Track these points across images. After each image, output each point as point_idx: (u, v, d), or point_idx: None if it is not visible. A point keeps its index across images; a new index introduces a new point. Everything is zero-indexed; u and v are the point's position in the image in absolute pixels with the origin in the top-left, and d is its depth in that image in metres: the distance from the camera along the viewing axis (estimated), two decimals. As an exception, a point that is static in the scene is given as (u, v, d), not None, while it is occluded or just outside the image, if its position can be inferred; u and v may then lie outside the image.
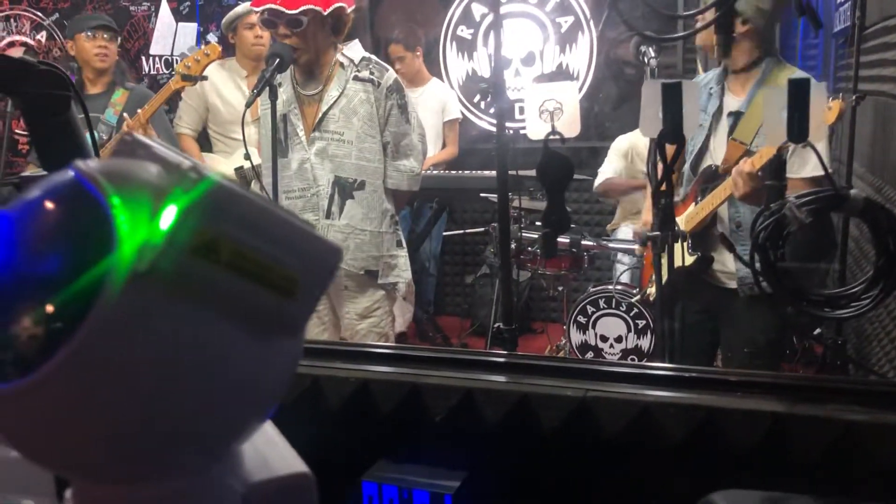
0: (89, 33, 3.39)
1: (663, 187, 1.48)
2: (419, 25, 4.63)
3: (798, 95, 1.33)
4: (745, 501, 1.28)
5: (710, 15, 2.34)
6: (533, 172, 4.51)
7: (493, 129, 4.90)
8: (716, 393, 1.43)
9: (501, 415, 1.38)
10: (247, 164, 3.81)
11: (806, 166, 2.30)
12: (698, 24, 2.33)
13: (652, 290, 2.70)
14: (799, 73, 2.50)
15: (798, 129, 1.34)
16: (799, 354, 3.59)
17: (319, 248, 0.40)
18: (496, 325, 2.23)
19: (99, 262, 0.37)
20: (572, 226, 4.32)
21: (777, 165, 1.45)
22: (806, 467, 1.38)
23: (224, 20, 3.93)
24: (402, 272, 2.79)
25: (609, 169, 3.98)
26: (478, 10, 4.85)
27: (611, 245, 3.77)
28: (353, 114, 2.55)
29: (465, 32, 4.89)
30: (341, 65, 2.58)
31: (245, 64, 3.87)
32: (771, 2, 2.39)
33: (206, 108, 3.87)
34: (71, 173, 0.42)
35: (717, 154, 2.52)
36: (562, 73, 4.77)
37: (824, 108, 1.52)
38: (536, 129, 1.81)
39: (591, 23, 4.65)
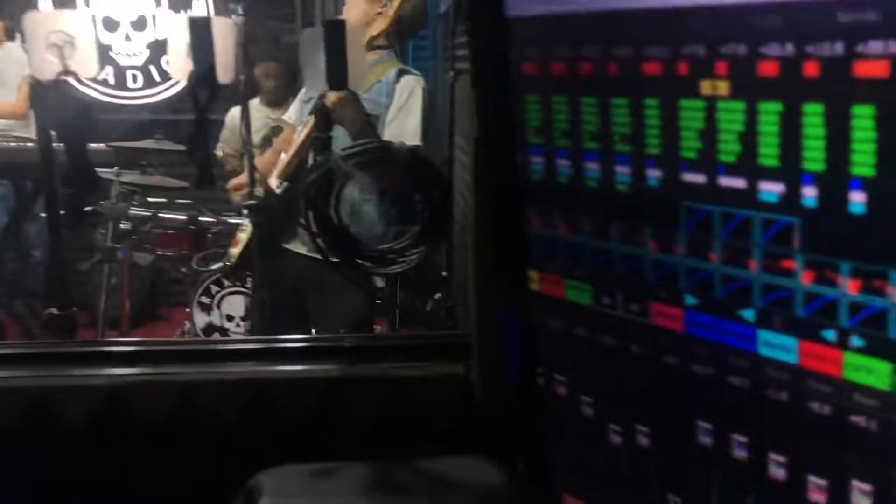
0: None
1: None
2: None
3: (334, 39, 1.25)
4: (293, 478, 1.19)
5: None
6: (142, 144, 4.10)
7: (100, 97, 4.40)
8: (267, 363, 1.34)
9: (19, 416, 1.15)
10: None
11: (404, 134, 2.31)
12: None
13: (233, 251, 2.54)
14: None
15: (336, 75, 1.26)
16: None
17: None
18: (49, 310, 1.92)
19: None
20: (189, 202, 4.06)
21: (321, 114, 1.38)
22: (360, 432, 1.33)
23: None
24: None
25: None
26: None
27: (231, 220, 3.56)
28: None
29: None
30: None
31: None
32: None
33: None
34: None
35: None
36: (178, 40, 4.43)
37: (364, 55, 1.48)
38: (45, 67, 1.52)
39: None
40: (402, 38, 2.48)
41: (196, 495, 1.29)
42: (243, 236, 2.59)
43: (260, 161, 2.59)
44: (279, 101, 3.96)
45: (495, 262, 0.82)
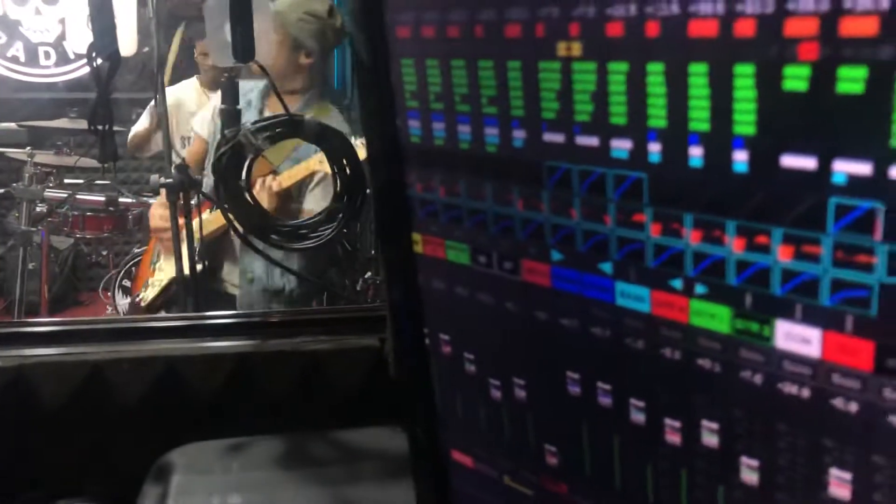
0: None
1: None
2: None
3: (240, 8, 1.23)
4: (205, 454, 1.19)
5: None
6: (59, 123, 3.95)
7: (10, 74, 4.23)
8: (175, 340, 1.33)
9: None
10: None
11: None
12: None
13: (145, 294, 2.55)
14: (335, 114, 2.51)
15: (243, 48, 1.25)
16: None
17: None
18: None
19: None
20: (107, 182, 3.95)
21: (230, 88, 1.36)
22: (274, 407, 1.34)
23: None
24: None
25: (140, 124, 3.64)
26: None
27: (151, 201, 3.48)
28: None
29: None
30: None
31: None
32: (335, 39, 2.47)
33: None
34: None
35: None
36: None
37: (271, 28, 1.46)
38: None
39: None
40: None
41: (107, 475, 1.28)
42: (161, 277, 2.57)
43: (189, 155, 2.61)
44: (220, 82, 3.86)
45: (391, 230, 0.83)
